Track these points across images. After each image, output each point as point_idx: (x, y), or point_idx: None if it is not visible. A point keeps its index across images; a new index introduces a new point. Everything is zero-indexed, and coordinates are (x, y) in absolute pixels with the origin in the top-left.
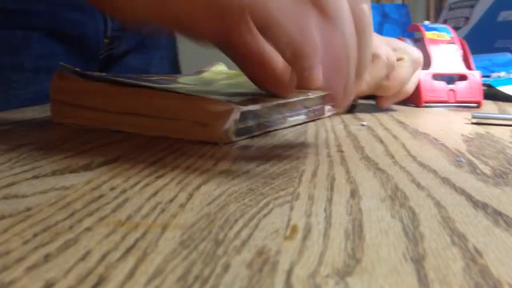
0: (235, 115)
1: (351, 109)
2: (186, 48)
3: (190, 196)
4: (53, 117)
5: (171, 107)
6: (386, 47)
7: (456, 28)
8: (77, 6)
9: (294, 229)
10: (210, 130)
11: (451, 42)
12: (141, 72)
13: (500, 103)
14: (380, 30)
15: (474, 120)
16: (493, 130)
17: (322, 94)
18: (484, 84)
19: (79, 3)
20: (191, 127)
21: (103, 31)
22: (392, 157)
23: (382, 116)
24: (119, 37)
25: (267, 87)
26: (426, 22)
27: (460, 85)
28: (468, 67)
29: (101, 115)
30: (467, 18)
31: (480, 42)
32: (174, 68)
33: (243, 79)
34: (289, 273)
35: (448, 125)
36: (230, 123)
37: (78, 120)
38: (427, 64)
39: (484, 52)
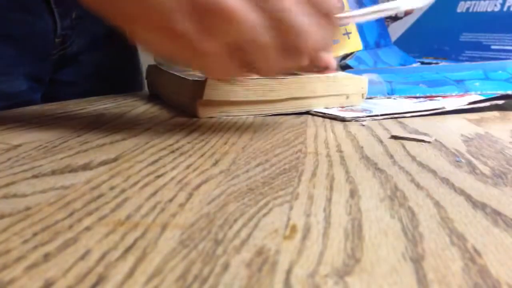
0: None
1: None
2: None
3: (190, 195)
4: (201, 113)
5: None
6: None
7: (395, 18)
8: (23, 6)
9: (294, 229)
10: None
11: None
12: (100, 68)
13: None
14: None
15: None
16: (492, 130)
17: None
18: None
19: (24, 3)
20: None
21: (53, 31)
22: (392, 157)
23: None
24: (71, 36)
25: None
26: None
27: None
28: None
29: (255, 105)
30: None
31: (436, 34)
32: (134, 61)
33: None
34: (288, 272)
35: (447, 125)
36: None
37: (231, 112)
38: None
39: (446, 44)
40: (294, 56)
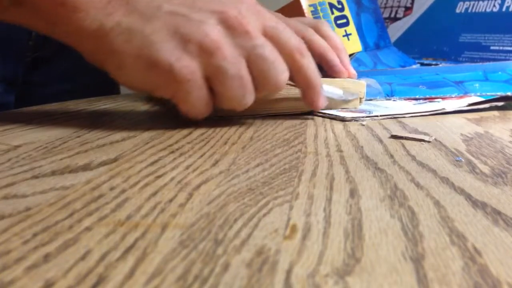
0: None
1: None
2: None
3: (190, 196)
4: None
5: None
6: None
7: (394, 19)
8: None
9: (294, 229)
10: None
11: None
12: (74, 70)
13: None
14: (358, 20)
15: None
16: (492, 129)
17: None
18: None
19: None
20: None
21: (27, 33)
22: (391, 156)
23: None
24: (47, 38)
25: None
26: None
27: None
28: None
29: (255, 105)
30: (408, 8)
31: (435, 35)
32: None
33: None
34: (288, 272)
35: (447, 125)
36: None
37: (231, 112)
38: None
39: (445, 44)
40: (263, 89)
